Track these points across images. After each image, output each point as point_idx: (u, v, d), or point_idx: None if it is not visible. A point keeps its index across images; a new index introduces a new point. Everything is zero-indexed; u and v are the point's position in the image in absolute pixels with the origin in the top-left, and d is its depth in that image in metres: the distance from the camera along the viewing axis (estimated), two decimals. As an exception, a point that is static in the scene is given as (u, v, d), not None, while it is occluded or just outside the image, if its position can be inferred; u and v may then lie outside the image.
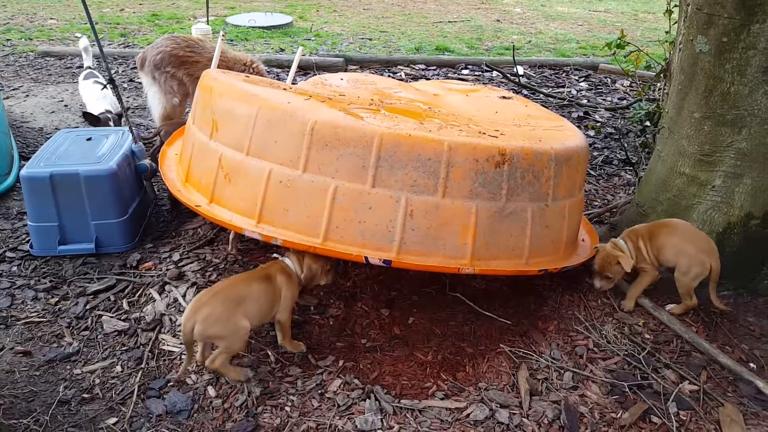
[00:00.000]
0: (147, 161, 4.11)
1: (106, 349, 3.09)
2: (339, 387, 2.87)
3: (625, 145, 5.73)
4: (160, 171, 3.79)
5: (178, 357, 3.00)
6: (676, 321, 3.32)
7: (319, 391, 2.84)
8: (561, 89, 7.63)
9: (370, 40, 9.77)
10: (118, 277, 3.59)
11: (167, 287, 3.47)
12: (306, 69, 7.81)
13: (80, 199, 3.67)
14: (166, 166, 3.80)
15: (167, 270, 3.61)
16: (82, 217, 3.71)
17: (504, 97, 4.38)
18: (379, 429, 2.65)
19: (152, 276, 3.58)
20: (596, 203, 4.82)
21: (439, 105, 4.01)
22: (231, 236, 3.77)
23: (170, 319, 3.22)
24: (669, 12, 4.64)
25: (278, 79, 6.49)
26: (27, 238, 3.90)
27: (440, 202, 2.91)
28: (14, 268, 3.66)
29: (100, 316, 3.29)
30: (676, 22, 3.84)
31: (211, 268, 3.63)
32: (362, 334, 3.23)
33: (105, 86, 4.22)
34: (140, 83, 7.20)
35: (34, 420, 2.65)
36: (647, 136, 5.23)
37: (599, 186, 5.15)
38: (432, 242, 2.95)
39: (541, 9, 12.73)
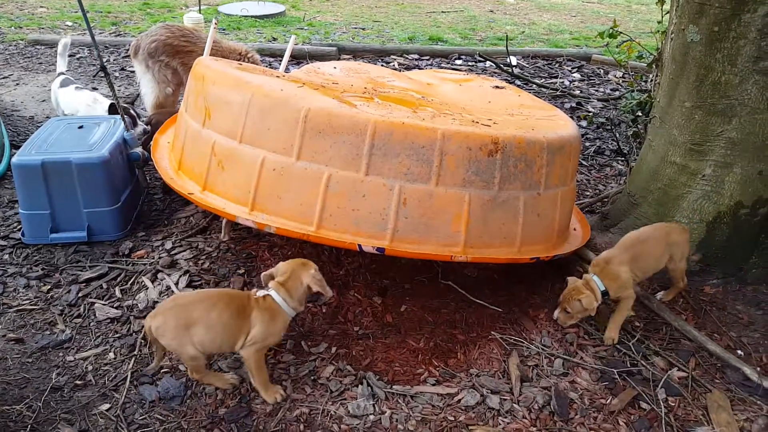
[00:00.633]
0: (139, 149, 4.10)
1: (99, 336, 3.10)
2: (332, 373, 2.89)
3: (617, 135, 5.76)
4: (152, 159, 3.78)
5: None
6: (665, 309, 3.35)
7: (312, 378, 2.86)
8: (554, 80, 7.64)
9: (363, 29, 9.74)
10: (111, 265, 3.59)
11: (160, 275, 3.47)
12: (299, 58, 7.79)
13: (72, 187, 3.66)
14: (158, 154, 3.79)
15: (160, 258, 3.61)
16: (74, 205, 3.70)
17: (497, 87, 4.38)
18: (371, 414, 2.67)
19: (145, 264, 3.58)
20: (588, 193, 4.85)
21: (433, 94, 4.02)
22: (224, 223, 3.78)
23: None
24: (661, 2, 4.65)
25: (271, 68, 6.47)
26: (18, 226, 3.89)
27: (433, 190, 2.93)
28: (6, 256, 3.66)
29: (93, 303, 3.29)
30: (668, 12, 3.85)
31: (203, 257, 3.63)
32: (355, 322, 3.24)
33: (97, 72, 4.19)
34: (132, 72, 7.17)
35: (27, 406, 2.66)
36: (639, 126, 5.26)
37: (591, 176, 5.18)
38: (425, 230, 2.96)
39: (534, 0, 12.72)
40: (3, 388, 2.74)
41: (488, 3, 12.31)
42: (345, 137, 2.87)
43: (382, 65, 7.63)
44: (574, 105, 6.72)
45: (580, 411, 2.76)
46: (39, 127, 4.23)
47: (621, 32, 5.41)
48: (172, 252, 3.68)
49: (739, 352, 3.16)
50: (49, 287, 3.41)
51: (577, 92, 7.17)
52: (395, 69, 7.08)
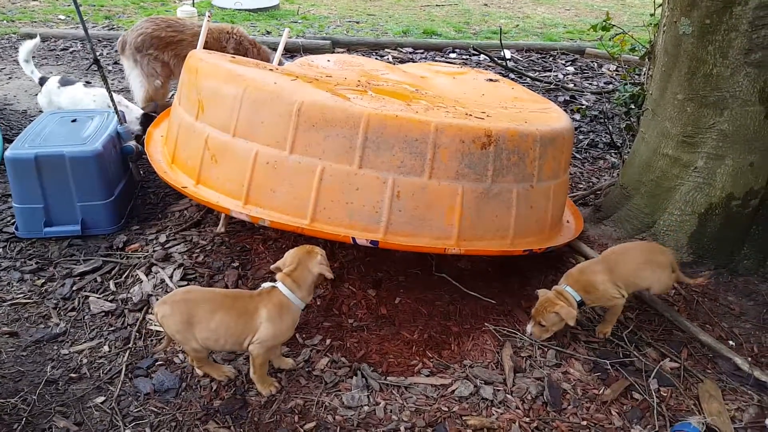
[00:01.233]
0: (132, 143, 4.10)
1: (94, 329, 3.10)
2: (326, 365, 2.90)
3: (611, 128, 5.78)
4: (145, 153, 3.78)
5: (164, 333, 3.02)
6: (657, 300, 3.37)
7: (307, 369, 2.87)
8: (548, 73, 7.65)
9: (358, 23, 9.73)
10: (105, 259, 3.59)
11: (154, 268, 3.47)
12: (293, 51, 7.78)
13: (65, 181, 3.65)
14: (152, 147, 3.79)
15: (154, 251, 3.61)
16: (68, 198, 3.69)
17: (491, 80, 4.39)
18: (365, 405, 2.69)
19: (139, 257, 3.59)
20: (581, 186, 4.87)
21: (426, 87, 4.02)
22: (223, 215, 3.77)
23: (157, 300, 3.22)
24: (654, -5, 4.67)
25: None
26: (12, 220, 3.88)
27: (427, 183, 2.94)
28: (0, 251, 3.65)
29: (87, 297, 3.30)
30: (660, 5, 3.87)
31: (198, 250, 3.63)
32: (349, 314, 3.26)
33: (90, 66, 4.17)
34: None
35: (22, 399, 2.66)
36: (632, 119, 5.28)
37: (584, 169, 5.19)
38: (419, 223, 2.98)
39: (528, -7, 12.71)
40: (-2, 382, 2.75)
41: (482, -4, 12.30)
42: (338, 130, 2.87)
43: (376, 58, 7.62)
44: (567, 98, 6.74)
45: (573, 401, 2.78)
46: (32, 120, 4.21)
47: (614, 25, 5.42)
48: (167, 245, 3.68)
49: (730, 342, 3.19)
50: (43, 281, 3.41)
51: (571, 85, 7.19)
52: (389, 62, 7.08)
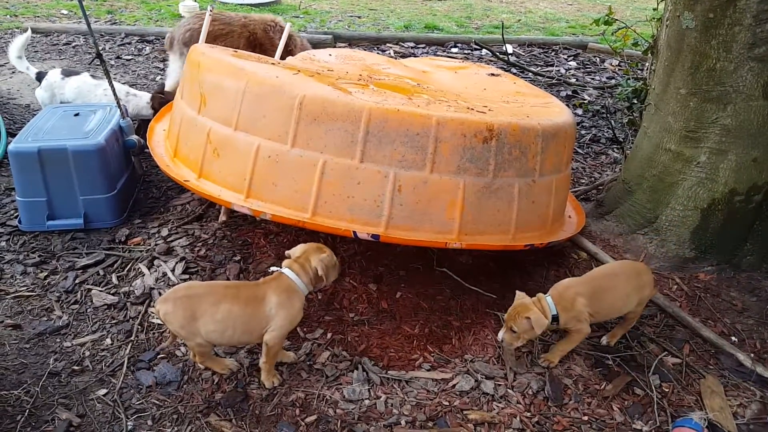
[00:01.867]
0: (135, 137, 4.10)
1: (96, 322, 3.11)
2: (327, 359, 2.91)
3: (613, 123, 5.77)
4: (148, 146, 3.78)
5: (168, 330, 3.02)
6: (659, 295, 3.37)
7: (308, 363, 2.88)
8: (550, 68, 7.63)
9: (359, 17, 9.71)
10: (107, 252, 3.59)
11: (156, 262, 3.48)
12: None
13: (68, 175, 3.66)
14: (154, 141, 3.79)
15: (156, 245, 3.62)
16: (71, 192, 3.70)
17: (492, 75, 4.38)
18: (366, 399, 2.70)
19: (141, 251, 3.59)
20: (583, 181, 4.86)
21: (428, 81, 4.01)
22: (223, 207, 3.78)
23: (159, 293, 3.23)
24: (658, -11, 4.65)
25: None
26: (15, 214, 3.89)
27: (428, 177, 2.93)
28: (3, 243, 3.66)
29: (90, 290, 3.30)
30: (664, -1, 3.85)
31: (199, 243, 3.64)
32: (350, 308, 3.26)
33: (92, 60, 4.17)
34: (127, 60, 7.16)
35: (25, 391, 2.68)
36: (634, 114, 5.26)
37: (586, 164, 5.19)
38: (420, 217, 2.97)
39: (531, -12, 12.66)
40: (1, 374, 2.75)
41: (485, -9, 12.26)
42: (340, 124, 2.87)
43: (377, 53, 7.61)
44: (569, 93, 6.72)
45: (574, 396, 2.79)
46: (35, 114, 4.21)
47: (617, 20, 5.40)
48: (169, 239, 3.69)
49: (733, 338, 3.19)
50: (46, 274, 3.42)
51: (573, 80, 7.17)
52: (391, 57, 7.07)
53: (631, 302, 2.96)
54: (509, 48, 8.01)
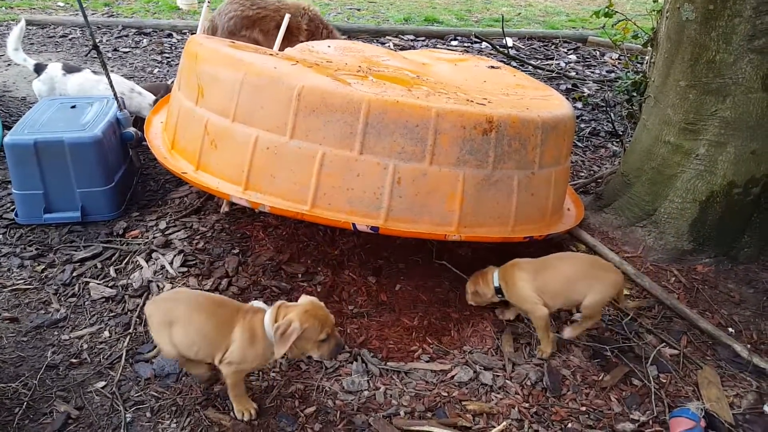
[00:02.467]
0: (132, 129, 4.08)
1: (94, 315, 3.10)
2: (326, 350, 2.90)
3: (612, 116, 5.76)
4: (145, 139, 3.77)
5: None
6: (657, 287, 3.37)
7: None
8: (550, 61, 7.62)
9: (359, 10, 9.68)
10: (105, 245, 3.58)
11: (154, 255, 3.47)
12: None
13: (65, 167, 3.64)
14: (152, 133, 3.78)
15: (154, 238, 3.61)
16: (68, 185, 3.68)
17: (492, 67, 4.37)
18: (365, 390, 2.70)
19: (139, 244, 3.58)
20: (582, 174, 4.86)
21: (428, 73, 4.00)
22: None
23: (158, 286, 3.23)
24: (657, -19, 4.64)
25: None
26: (12, 207, 3.88)
27: (427, 169, 2.93)
28: None
29: (87, 283, 3.30)
30: (663, -9, 3.84)
31: (198, 236, 3.63)
32: (349, 301, 3.26)
33: (89, 52, 4.14)
34: (125, 53, 7.13)
35: (23, 384, 2.67)
36: (633, 106, 5.26)
37: (586, 157, 5.18)
38: (419, 209, 2.97)
39: (530, -19, 12.63)
40: (-2, 366, 2.76)
41: (484, -16, 12.22)
42: (339, 115, 2.86)
43: (377, 46, 7.59)
44: (569, 86, 6.71)
45: (572, 387, 2.79)
46: (31, 107, 4.20)
47: (617, 11, 5.39)
48: (167, 232, 3.68)
49: (730, 329, 3.19)
50: (43, 267, 3.41)
51: (573, 74, 7.16)
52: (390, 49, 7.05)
53: (579, 292, 2.86)
54: (509, 41, 7.99)
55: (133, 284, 3.27)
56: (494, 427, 2.56)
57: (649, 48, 4.68)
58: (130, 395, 2.65)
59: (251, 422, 2.52)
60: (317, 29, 5.50)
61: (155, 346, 2.77)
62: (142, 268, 3.38)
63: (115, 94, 4.04)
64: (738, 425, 2.65)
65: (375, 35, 8.20)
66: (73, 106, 4.02)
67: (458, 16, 9.56)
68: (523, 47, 8.10)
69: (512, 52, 7.65)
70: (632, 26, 5.52)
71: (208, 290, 3.19)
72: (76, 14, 8.34)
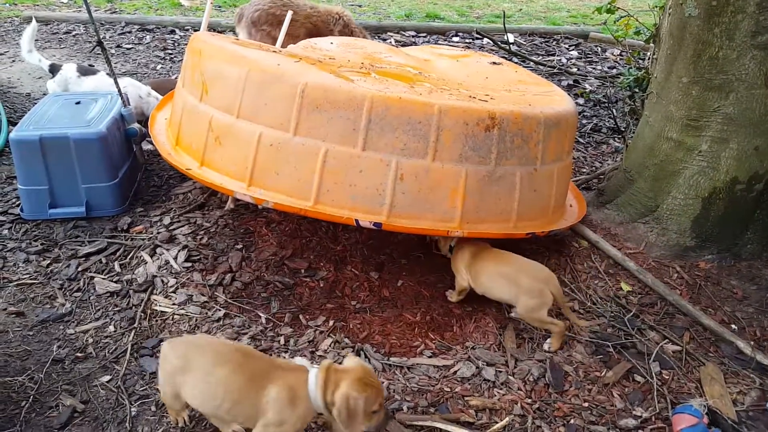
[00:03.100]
0: (136, 125, 4.10)
1: (99, 309, 3.12)
2: (330, 345, 2.92)
3: (614, 112, 5.76)
4: (149, 135, 3.79)
5: (171, 317, 3.04)
6: (660, 284, 3.38)
7: (311, 350, 2.89)
8: (551, 57, 7.61)
9: (360, 6, 9.67)
10: (110, 240, 3.60)
11: (158, 250, 3.48)
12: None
13: (70, 163, 3.66)
14: (156, 130, 3.79)
15: (158, 233, 3.62)
16: (73, 180, 3.70)
17: (494, 63, 4.38)
18: (368, 385, 2.71)
19: (143, 239, 3.60)
20: (584, 170, 4.86)
21: (430, 70, 4.01)
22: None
23: (162, 281, 3.25)
24: (660, -23, 4.63)
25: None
26: (17, 202, 3.90)
27: (430, 165, 2.94)
28: (5, 232, 3.67)
29: (92, 278, 3.32)
30: (666, -13, 3.84)
31: (202, 232, 3.65)
32: (352, 296, 3.27)
33: (93, 48, 4.15)
34: (128, 49, 7.15)
35: (29, 378, 2.69)
36: (636, 103, 5.25)
37: (588, 153, 5.19)
38: (422, 205, 2.98)
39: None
40: (5, 361, 2.77)
41: (487, -20, 12.20)
42: (342, 112, 2.87)
43: (378, 42, 7.59)
44: (571, 82, 6.71)
45: (575, 383, 2.80)
46: (36, 103, 4.21)
47: (619, 8, 5.38)
48: (171, 227, 3.69)
49: (733, 326, 3.20)
50: (48, 262, 3.43)
51: (575, 70, 7.15)
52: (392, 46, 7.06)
53: (500, 289, 2.99)
54: (511, 37, 7.98)
55: (138, 279, 3.29)
56: (497, 422, 2.57)
57: (652, 44, 4.67)
58: (135, 389, 2.67)
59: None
60: (352, 33, 5.62)
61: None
62: (146, 263, 3.40)
63: (119, 91, 4.05)
64: (741, 422, 2.66)
65: (376, 31, 8.19)
66: (78, 102, 4.04)
67: (459, 12, 9.55)
68: (524, 43, 8.09)
69: (514, 48, 7.64)
70: (634, 22, 5.51)
71: (211, 285, 3.22)
72: (80, 10, 8.35)
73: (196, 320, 3.02)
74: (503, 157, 3.03)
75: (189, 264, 3.38)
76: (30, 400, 2.58)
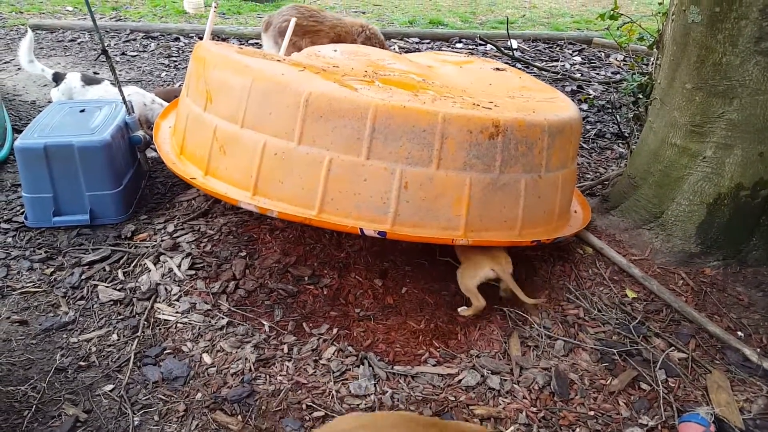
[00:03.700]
0: (140, 133, 4.11)
1: (102, 318, 3.12)
2: (333, 354, 2.91)
3: (618, 118, 5.75)
4: (153, 143, 3.79)
5: (174, 325, 3.04)
6: (665, 290, 3.36)
7: (314, 358, 2.88)
8: (555, 63, 7.61)
9: (363, 13, 9.70)
10: (113, 248, 3.60)
11: (162, 258, 3.48)
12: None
13: (74, 171, 3.67)
14: (160, 138, 3.80)
15: (162, 241, 3.63)
16: (77, 188, 3.71)
17: (498, 69, 4.38)
18: (372, 394, 2.70)
19: (147, 247, 3.60)
20: (589, 176, 4.85)
21: (433, 77, 4.00)
22: None
23: (165, 289, 3.25)
24: (663, -17, 4.63)
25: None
26: (21, 210, 3.90)
27: (434, 173, 2.93)
28: (9, 239, 3.67)
29: (96, 285, 3.32)
30: (670, -6, 3.83)
31: (205, 239, 3.65)
32: (356, 304, 3.27)
33: (98, 56, 4.17)
34: (132, 57, 7.18)
35: (32, 387, 2.69)
36: (639, 108, 5.24)
37: (592, 159, 5.18)
38: (426, 214, 2.97)
39: (536, -17, 12.63)
40: (8, 369, 2.77)
41: (490, -14, 12.22)
42: (346, 121, 2.87)
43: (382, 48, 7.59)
44: (574, 88, 6.70)
45: (580, 391, 2.79)
46: (40, 111, 4.23)
47: (622, 14, 5.38)
48: (174, 235, 3.69)
49: (739, 333, 3.18)
50: (52, 270, 3.43)
51: (578, 75, 7.15)
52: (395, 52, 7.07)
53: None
54: (514, 43, 7.99)
55: (142, 287, 3.29)
56: (502, 431, 2.56)
57: (655, 50, 4.66)
58: (138, 398, 2.67)
59: (259, 427, 2.53)
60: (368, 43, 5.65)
61: None
62: (150, 270, 3.40)
63: (124, 99, 4.06)
64: (748, 430, 2.64)
65: (381, 38, 8.20)
66: (83, 110, 4.05)
67: (463, 19, 9.57)
68: (527, 49, 8.10)
69: (517, 54, 7.65)
70: (637, 28, 5.51)
71: (215, 293, 3.22)
72: (85, 18, 8.39)
73: (200, 329, 3.02)
74: (507, 164, 3.02)
75: (192, 272, 3.37)
76: (33, 409, 2.57)
